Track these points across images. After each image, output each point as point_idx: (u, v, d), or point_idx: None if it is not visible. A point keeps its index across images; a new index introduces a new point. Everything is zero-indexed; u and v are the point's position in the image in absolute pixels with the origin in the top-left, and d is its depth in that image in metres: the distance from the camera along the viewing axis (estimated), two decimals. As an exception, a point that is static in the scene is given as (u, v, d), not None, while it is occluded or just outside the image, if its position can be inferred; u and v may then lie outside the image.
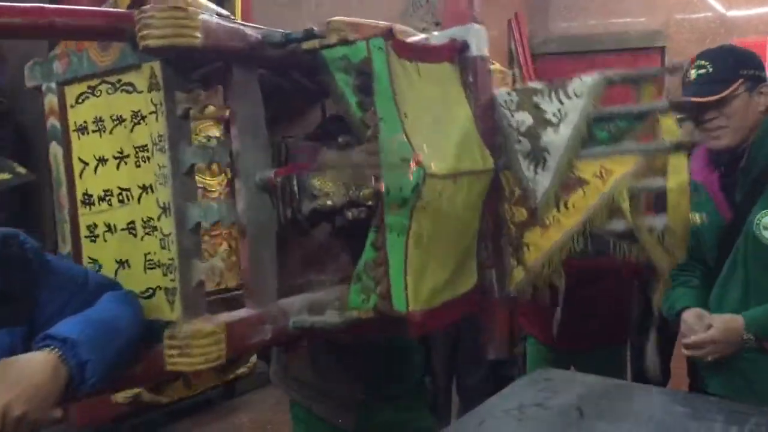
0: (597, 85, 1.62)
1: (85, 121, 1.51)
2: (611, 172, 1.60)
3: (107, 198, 1.49)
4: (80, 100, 1.51)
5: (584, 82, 1.63)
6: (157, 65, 1.35)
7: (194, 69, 1.40)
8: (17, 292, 1.22)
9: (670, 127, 1.57)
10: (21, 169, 1.19)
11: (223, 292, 1.66)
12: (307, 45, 1.45)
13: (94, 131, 1.50)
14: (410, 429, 2.09)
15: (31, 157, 3.08)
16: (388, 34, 1.40)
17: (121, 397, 3.19)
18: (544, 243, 1.62)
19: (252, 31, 1.37)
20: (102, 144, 1.49)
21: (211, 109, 1.36)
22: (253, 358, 3.63)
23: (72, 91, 1.52)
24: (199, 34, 1.23)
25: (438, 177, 1.39)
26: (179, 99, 1.36)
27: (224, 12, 1.36)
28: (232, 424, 3.35)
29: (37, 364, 1.13)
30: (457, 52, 1.62)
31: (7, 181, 1.18)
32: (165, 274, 1.40)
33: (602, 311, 2.73)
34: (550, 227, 1.62)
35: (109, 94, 1.46)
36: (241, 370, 3.56)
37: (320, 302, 1.51)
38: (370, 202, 1.43)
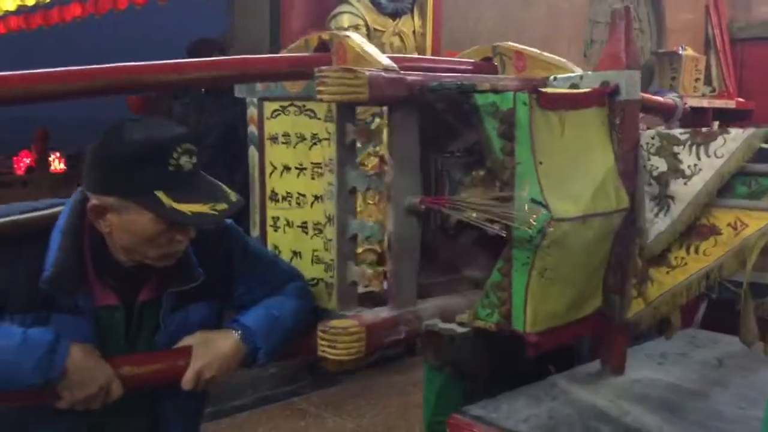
0: (741, 149, 1.66)
1: (276, 133, 1.82)
2: (746, 226, 1.65)
3: (288, 198, 1.81)
4: (274, 115, 1.82)
5: (727, 145, 1.67)
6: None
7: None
8: (219, 276, 1.55)
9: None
10: (233, 197, 1.43)
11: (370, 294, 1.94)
12: (461, 89, 1.64)
13: (282, 143, 1.81)
14: None
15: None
16: (534, 88, 1.55)
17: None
18: (668, 281, 1.72)
19: (413, 78, 1.58)
20: (287, 154, 1.80)
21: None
22: None
23: (269, 107, 1.83)
24: (365, 90, 1.47)
25: (565, 220, 1.55)
26: (348, 131, 1.62)
27: (392, 65, 1.58)
28: (410, 378, 3.80)
29: (226, 341, 1.49)
30: (606, 96, 1.72)
31: (226, 210, 1.41)
32: (326, 271, 1.71)
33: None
34: (677, 268, 1.72)
35: (295, 115, 1.76)
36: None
37: (452, 309, 1.74)
38: (509, 222, 1.62)
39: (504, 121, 1.57)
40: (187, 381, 1.45)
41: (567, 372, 1.85)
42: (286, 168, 1.81)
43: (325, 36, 1.72)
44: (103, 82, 1.39)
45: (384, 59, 1.59)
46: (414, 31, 4.13)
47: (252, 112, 1.87)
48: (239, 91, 1.89)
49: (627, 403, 1.63)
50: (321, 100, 1.50)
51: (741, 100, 6.25)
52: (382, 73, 1.52)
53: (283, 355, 1.62)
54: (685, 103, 2.97)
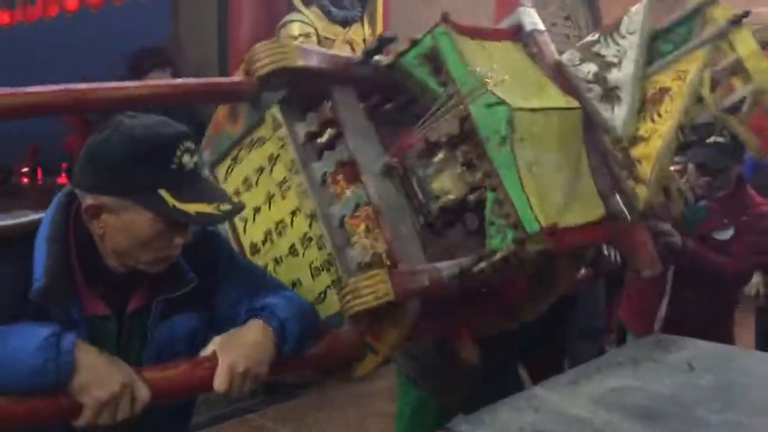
0: (646, 14, 1.80)
1: (237, 188, 1.83)
2: (687, 72, 1.73)
3: (268, 238, 1.77)
4: (229, 172, 1.85)
5: (632, 19, 1.81)
6: (275, 109, 1.68)
7: (304, 104, 1.71)
8: (205, 284, 1.45)
9: (721, 13, 1.70)
10: (235, 198, 1.40)
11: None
12: (386, 61, 1.74)
13: (245, 191, 1.81)
14: None
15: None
16: (446, 18, 1.67)
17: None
18: (650, 151, 1.73)
19: (342, 56, 1.69)
20: (254, 197, 1.79)
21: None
22: None
23: (221, 170, 1.86)
24: (297, 57, 1.55)
25: (525, 110, 1.58)
26: (299, 127, 1.66)
27: (321, 49, 1.69)
28: (370, 388, 3.74)
29: (249, 329, 1.37)
30: (513, 33, 1.86)
31: (230, 211, 1.36)
32: (328, 270, 1.62)
33: (706, 315, 2.66)
34: (651, 138, 1.74)
35: (248, 153, 1.79)
36: None
37: (467, 263, 1.66)
38: (485, 183, 1.63)
39: (431, 59, 1.66)
40: (220, 382, 1.30)
41: (544, 382, 1.86)
42: (257, 210, 1.79)
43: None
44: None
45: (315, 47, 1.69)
46: (364, 39, 4.14)
47: (208, 186, 1.88)
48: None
49: (606, 411, 1.65)
50: (259, 78, 1.55)
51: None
52: (313, 48, 1.62)
53: (310, 344, 1.48)
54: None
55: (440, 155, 1.78)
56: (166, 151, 1.28)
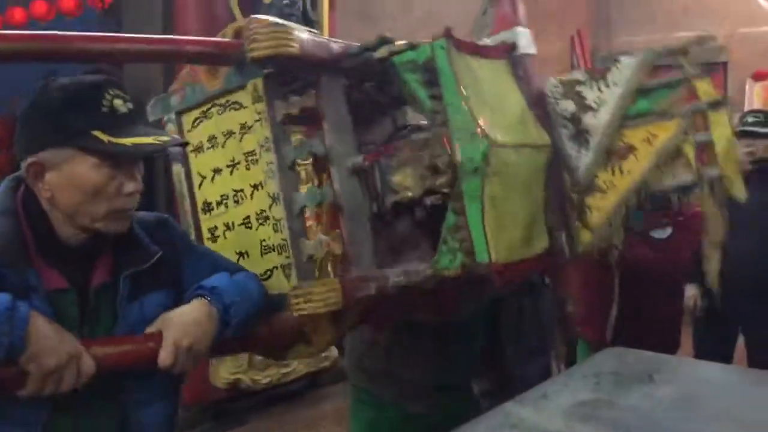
0: (635, 71, 1.84)
1: (200, 142, 1.80)
2: (657, 136, 1.79)
3: (224, 202, 1.76)
4: (195, 125, 1.81)
5: (622, 72, 1.85)
6: (259, 81, 1.64)
7: (289, 82, 1.68)
8: (168, 262, 1.47)
9: (706, 90, 1.76)
10: (164, 138, 1.40)
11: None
12: (379, 54, 1.72)
13: (209, 148, 1.78)
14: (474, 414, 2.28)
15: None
16: (449, 33, 1.66)
17: (221, 382, 3.85)
18: (604, 204, 1.81)
19: (336, 44, 1.65)
20: (216, 157, 1.77)
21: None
22: (334, 353, 4.15)
23: (188, 119, 1.82)
24: (296, 45, 1.51)
25: (502, 146, 1.62)
26: (279, 107, 1.64)
27: (314, 31, 1.65)
28: (317, 411, 3.87)
29: (193, 308, 1.39)
30: (508, 52, 1.87)
31: (170, 141, 1.40)
32: (280, 253, 1.65)
33: (656, 315, 2.87)
34: (609, 191, 1.82)
35: (219, 114, 1.75)
36: (323, 364, 4.14)
37: (415, 271, 1.72)
38: (444, 189, 1.67)
39: (426, 70, 1.66)
40: (164, 357, 1.32)
41: (515, 399, 1.94)
42: (217, 171, 1.77)
43: (239, 25, 1.76)
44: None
45: (306, 28, 1.65)
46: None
47: (171, 129, 1.83)
48: (153, 112, 1.87)
49: (579, 425, 1.72)
50: (254, 59, 1.51)
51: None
52: (308, 35, 1.58)
53: (252, 328, 1.52)
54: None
55: (407, 150, 1.81)
56: (94, 94, 1.30)
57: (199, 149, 1.80)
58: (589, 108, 1.85)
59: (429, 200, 1.75)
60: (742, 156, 3.13)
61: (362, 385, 2.24)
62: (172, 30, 4.01)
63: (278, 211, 1.64)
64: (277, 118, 1.64)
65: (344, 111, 1.69)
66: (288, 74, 1.66)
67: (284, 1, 4.11)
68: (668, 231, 2.95)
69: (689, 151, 1.77)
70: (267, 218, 1.68)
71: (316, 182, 1.73)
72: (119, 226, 1.36)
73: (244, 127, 1.71)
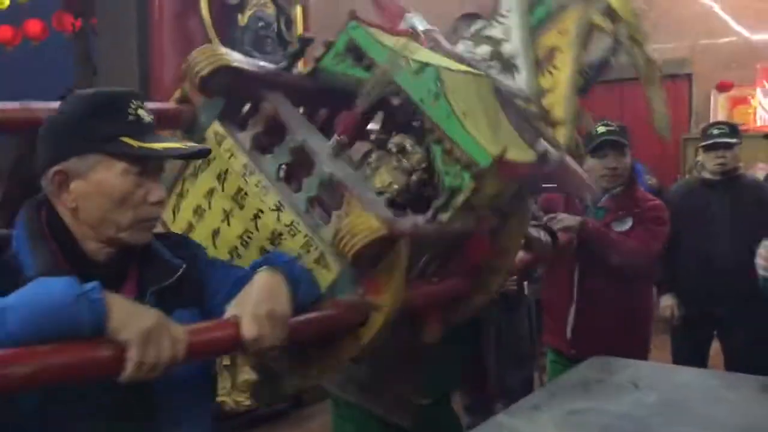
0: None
1: (189, 222, 1.81)
2: (567, 27, 1.97)
3: (235, 251, 1.75)
4: (176, 211, 1.83)
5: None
6: (216, 124, 1.73)
7: (239, 111, 1.78)
8: (191, 279, 1.43)
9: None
10: (192, 144, 1.44)
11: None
12: (307, 71, 1.87)
13: (198, 222, 1.80)
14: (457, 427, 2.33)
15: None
16: (353, 15, 1.84)
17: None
18: (557, 97, 1.92)
19: (269, 65, 1.81)
20: (210, 222, 1.78)
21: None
22: None
23: (167, 212, 1.83)
24: (231, 58, 1.64)
25: (447, 69, 1.75)
26: (242, 137, 1.72)
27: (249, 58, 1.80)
28: (302, 431, 3.88)
29: (260, 278, 1.38)
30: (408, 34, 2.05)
31: (198, 148, 1.44)
32: (308, 251, 1.63)
33: (616, 313, 2.91)
34: (555, 88, 1.93)
35: (193, 184, 1.79)
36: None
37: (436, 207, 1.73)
38: (423, 164, 1.78)
39: (350, 50, 1.82)
40: (247, 328, 1.27)
41: (506, 411, 2.02)
42: (216, 233, 1.78)
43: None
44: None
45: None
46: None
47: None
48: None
49: None
50: (201, 80, 1.61)
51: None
52: (240, 56, 1.73)
53: (321, 313, 1.48)
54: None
55: (374, 155, 1.89)
56: (120, 103, 1.32)
57: (190, 228, 1.81)
58: (501, 40, 2.02)
59: (414, 178, 1.82)
60: (714, 167, 3.42)
61: (350, 399, 2.19)
62: (146, 54, 3.96)
63: (287, 216, 1.65)
64: (246, 146, 1.71)
65: (297, 112, 1.78)
66: (236, 102, 1.76)
67: (259, 23, 4.18)
68: (629, 223, 3.04)
69: (599, 21, 1.94)
70: (280, 234, 1.67)
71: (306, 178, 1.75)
72: (143, 236, 1.34)
73: (221, 175, 1.75)
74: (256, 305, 1.29)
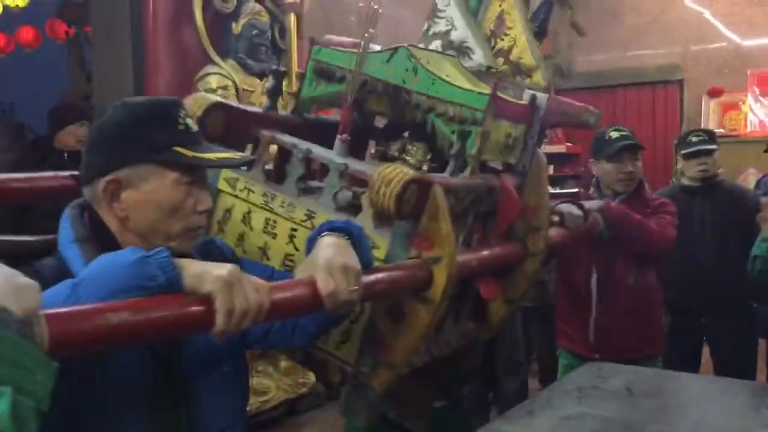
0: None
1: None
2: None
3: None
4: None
5: None
6: (224, 172, 1.79)
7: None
8: None
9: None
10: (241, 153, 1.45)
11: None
12: (289, 109, 2.02)
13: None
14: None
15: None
16: (313, 41, 1.98)
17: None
18: (522, 46, 2.11)
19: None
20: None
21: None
22: (312, 379, 4.15)
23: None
24: (217, 97, 1.77)
25: (418, 48, 1.92)
26: (254, 174, 1.77)
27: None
28: None
29: (322, 243, 1.37)
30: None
31: (247, 158, 1.48)
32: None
33: (636, 310, 2.94)
34: (515, 42, 2.11)
35: (222, 238, 1.75)
36: (302, 390, 4.21)
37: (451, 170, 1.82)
38: (429, 156, 1.89)
39: (321, 74, 1.94)
40: (323, 283, 1.27)
41: (503, 416, 2.07)
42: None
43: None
44: None
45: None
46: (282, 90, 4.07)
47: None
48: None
49: None
50: (199, 120, 1.61)
51: (570, 144, 6.97)
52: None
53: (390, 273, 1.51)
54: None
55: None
56: (170, 113, 1.32)
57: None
58: (448, 31, 2.12)
59: (425, 168, 1.88)
60: (696, 173, 3.48)
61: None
62: (141, 61, 3.87)
63: (321, 218, 1.66)
64: (260, 179, 1.77)
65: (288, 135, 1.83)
66: (238, 142, 1.78)
67: (253, 31, 4.12)
68: None
69: None
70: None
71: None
72: (190, 245, 1.35)
73: (246, 218, 1.78)
74: (328, 262, 1.29)
